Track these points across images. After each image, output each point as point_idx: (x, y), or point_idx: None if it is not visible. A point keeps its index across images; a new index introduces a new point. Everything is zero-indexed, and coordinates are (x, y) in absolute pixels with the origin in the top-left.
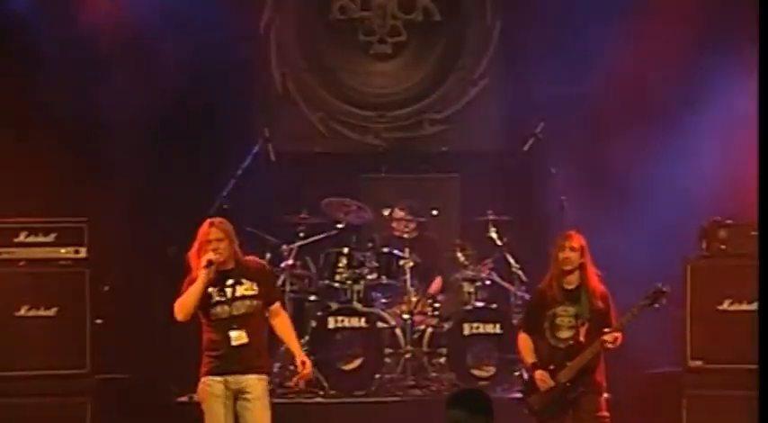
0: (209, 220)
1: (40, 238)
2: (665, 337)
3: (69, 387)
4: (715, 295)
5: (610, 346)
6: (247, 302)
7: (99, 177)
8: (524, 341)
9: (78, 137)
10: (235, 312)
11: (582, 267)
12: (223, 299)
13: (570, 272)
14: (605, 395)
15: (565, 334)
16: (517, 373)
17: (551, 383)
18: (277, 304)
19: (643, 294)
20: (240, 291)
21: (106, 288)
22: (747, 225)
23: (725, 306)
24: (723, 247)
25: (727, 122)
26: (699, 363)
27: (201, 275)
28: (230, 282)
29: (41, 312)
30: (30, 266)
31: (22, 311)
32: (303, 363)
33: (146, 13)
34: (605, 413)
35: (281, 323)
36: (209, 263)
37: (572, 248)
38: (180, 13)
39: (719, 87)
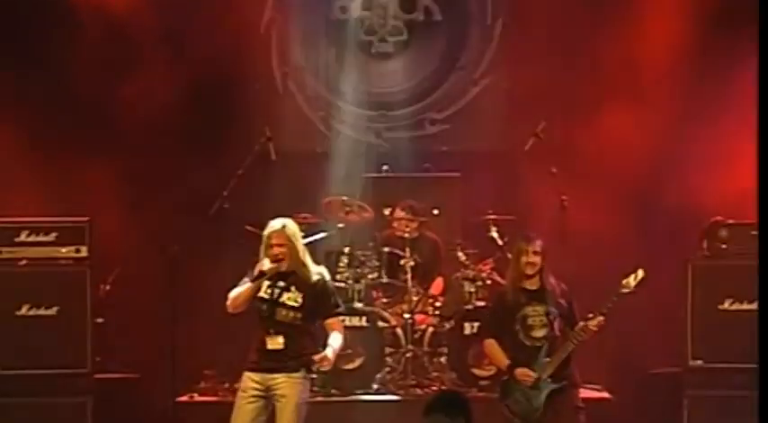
0: (274, 223)
1: (41, 238)
2: (665, 337)
3: (69, 387)
4: (716, 295)
5: (594, 328)
6: (285, 312)
7: (99, 177)
8: (493, 346)
9: (79, 137)
10: (276, 317)
11: (542, 270)
12: (267, 297)
13: (532, 275)
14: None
15: (539, 332)
16: None
17: (534, 375)
18: (332, 320)
19: (621, 282)
20: (284, 298)
21: (107, 288)
22: (748, 225)
23: (726, 306)
24: (724, 246)
25: (728, 122)
26: (699, 363)
27: (252, 284)
28: (281, 284)
29: (42, 312)
30: (30, 266)
31: (23, 311)
32: (322, 358)
33: (145, 13)
34: (581, 404)
35: (331, 335)
36: (261, 274)
37: (535, 252)
38: (180, 13)
39: (720, 87)
